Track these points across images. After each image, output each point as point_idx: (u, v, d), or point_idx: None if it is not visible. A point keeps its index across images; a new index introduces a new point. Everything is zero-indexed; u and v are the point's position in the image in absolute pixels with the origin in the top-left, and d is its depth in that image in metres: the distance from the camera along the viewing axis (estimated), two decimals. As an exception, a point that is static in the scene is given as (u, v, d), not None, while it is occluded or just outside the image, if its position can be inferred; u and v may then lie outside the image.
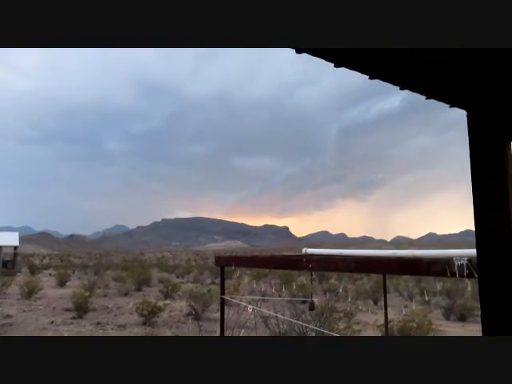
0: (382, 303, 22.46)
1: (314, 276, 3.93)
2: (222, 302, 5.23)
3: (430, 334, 11.18)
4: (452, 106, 2.54)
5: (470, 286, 2.73)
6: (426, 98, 2.45)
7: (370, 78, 2.16)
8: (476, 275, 2.67)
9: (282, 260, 4.38)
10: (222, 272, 5.11)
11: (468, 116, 2.41)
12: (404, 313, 15.53)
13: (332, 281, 27.86)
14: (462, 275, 2.76)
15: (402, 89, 2.31)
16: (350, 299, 17.68)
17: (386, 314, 4.29)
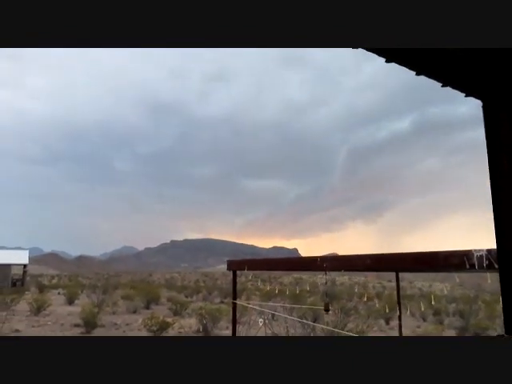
0: (393, 323, 22.04)
1: (328, 276, 3.89)
2: (234, 307, 5.17)
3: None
4: (467, 95, 2.54)
5: (489, 279, 2.67)
6: (442, 86, 2.45)
7: (387, 62, 2.17)
8: (496, 266, 2.62)
9: (296, 261, 4.34)
10: (234, 276, 5.07)
11: (483, 106, 2.40)
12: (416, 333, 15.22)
13: (343, 301, 27.45)
14: (481, 267, 2.71)
15: (417, 74, 2.32)
16: (361, 318, 17.38)
17: (399, 317, 4.20)
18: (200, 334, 15.45)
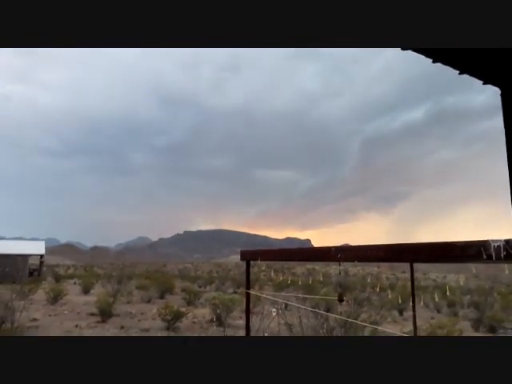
0: (407, 314, 21.95)
1: (342, 267, 3.86)
2: (248, 297, 5.19)
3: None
4: (485, 83, 2.49)
5: (507, 269, 2.63)
6: (459, 73, 2.40)
7: (403, 49, 2.13)
8: (514, 256, 2.59)
9: (310, 252, 4.32)
10: (248, 266, 5.07)
11: (502, 94, 2.35)
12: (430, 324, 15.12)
13: (356, 292, 27.42)
14: (498, 257, 2.66)
15: (434, 62, 2.28)
16: (375, 309, 17.34)
17: (413, 308, 4.16)
18: (214, 324, 15.59)
